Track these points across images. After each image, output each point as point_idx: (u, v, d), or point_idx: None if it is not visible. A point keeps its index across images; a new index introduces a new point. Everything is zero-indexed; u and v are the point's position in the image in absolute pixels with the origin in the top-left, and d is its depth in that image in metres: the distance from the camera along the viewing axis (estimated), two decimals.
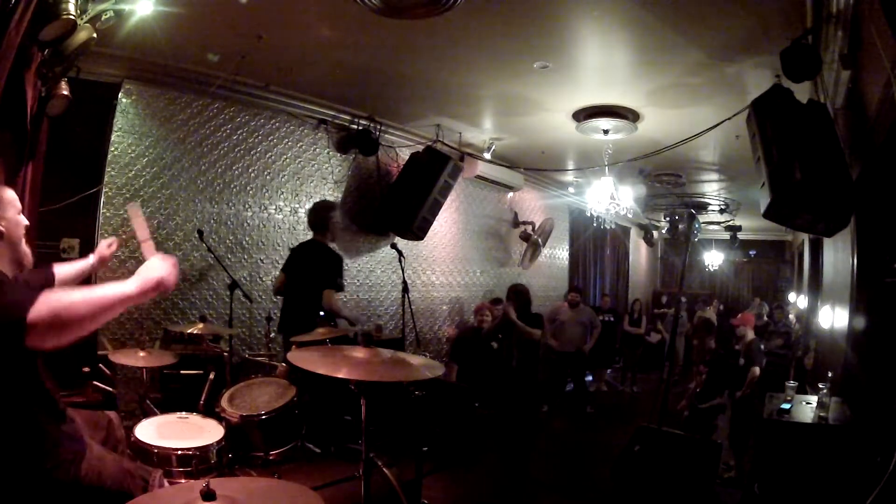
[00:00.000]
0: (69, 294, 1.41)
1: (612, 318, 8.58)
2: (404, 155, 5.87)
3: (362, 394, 2.23)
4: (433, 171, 5.51)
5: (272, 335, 4.59)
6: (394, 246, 4.54)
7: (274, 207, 4.94)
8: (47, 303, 1.34)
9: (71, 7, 2.31)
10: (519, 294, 5.79)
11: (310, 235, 4.51)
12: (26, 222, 1.81)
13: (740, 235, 11.17)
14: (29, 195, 2.89)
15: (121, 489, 1.73)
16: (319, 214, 4.44)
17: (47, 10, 2.26)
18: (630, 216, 8.01)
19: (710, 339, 6.11)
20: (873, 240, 3.12)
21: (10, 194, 1.77)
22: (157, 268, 1.61)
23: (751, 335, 5.31)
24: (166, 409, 3.00)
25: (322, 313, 3.89)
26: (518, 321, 5.47)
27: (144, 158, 4.13)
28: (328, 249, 4.37)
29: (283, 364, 3.69)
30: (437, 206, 5.68)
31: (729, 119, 4.15)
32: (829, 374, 3.47)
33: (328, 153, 5.38)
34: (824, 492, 2.73)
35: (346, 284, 4.57)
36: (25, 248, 1.78)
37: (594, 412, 6.91)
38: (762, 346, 5.59)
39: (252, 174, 4.79)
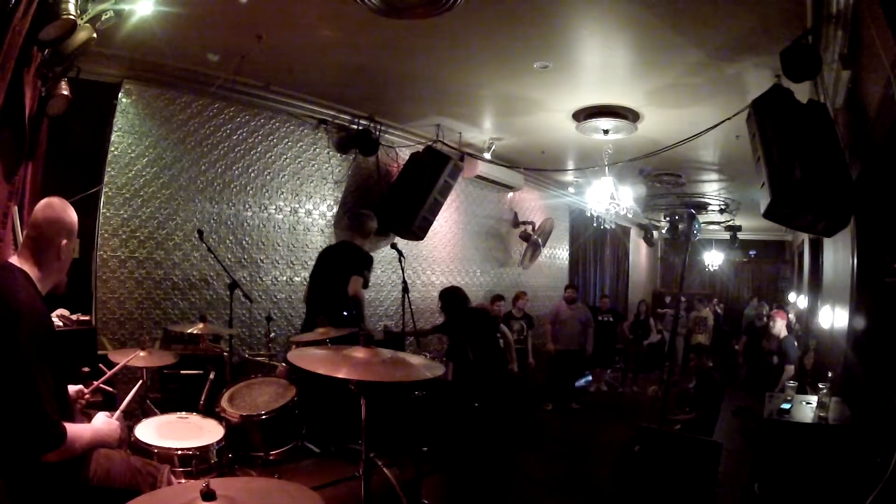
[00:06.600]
0: (80, 437, 1.71)
1: (610, 319, 8.57)
2: (404, 155, 5.87)
3: (362, 394, 2.22)
4: (433, 171, 5.52)
5: (272, 335, 4.59)
6: (394, 246, 4.53)
7: (274, 207, 4.94)
8: (71, 447, 1.65)
9: (71, 7, 2.31)
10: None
11: (308, 236, 4.52)
12: (76, 256, 1.93)
13: (740, 235, 11.17)
14: (29, 195, 2.89)
15: (129, 487, 1.74)
16: (360, 220, 4.95)
17: (47, 10, 2.26)
18: (630, 216, 8.01)
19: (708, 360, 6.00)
20: (873, 240, 3.12)
21: (76, 225, 1.91)
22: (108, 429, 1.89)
23: (784, 332, 5.27)
24: (166, 409, 2.99)
25: (346, 313, 3.98)
26: None
27: (144, 158, 4.12)
28: (359, 248, 4.72)
29: (283, 364, 3.69)
30: (437, 206, 5.68)
31: (729, 119, 4.15)
32: (829, 374, 3.48)
33: (328, 153, 5.37)
34: (824, 492, 2.73)
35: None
36: (65, 277, 1.93)
37: (580, 408, 6.94)
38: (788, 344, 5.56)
39: (252, 174, 4.79)
